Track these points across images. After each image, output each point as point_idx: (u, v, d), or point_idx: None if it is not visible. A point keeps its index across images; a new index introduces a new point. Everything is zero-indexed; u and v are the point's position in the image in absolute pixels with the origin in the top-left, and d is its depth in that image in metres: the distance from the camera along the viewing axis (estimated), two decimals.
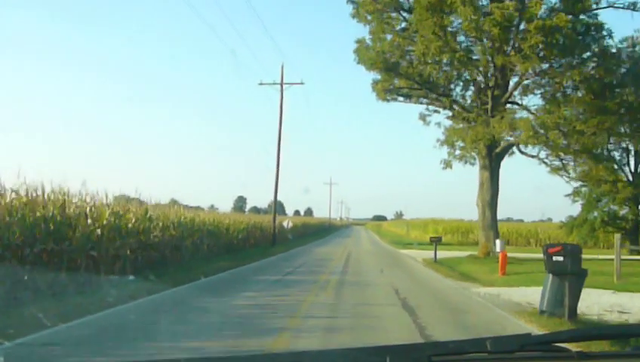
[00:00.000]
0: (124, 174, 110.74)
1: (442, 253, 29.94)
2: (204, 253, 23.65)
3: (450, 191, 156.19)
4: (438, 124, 29.51)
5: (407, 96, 30.10)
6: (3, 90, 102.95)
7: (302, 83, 36.94)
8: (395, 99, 30.67)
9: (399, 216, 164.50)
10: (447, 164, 26.65)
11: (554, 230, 53.43)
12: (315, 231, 70.47)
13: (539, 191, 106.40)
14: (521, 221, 79.67)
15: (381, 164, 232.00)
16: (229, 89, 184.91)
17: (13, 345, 6.17)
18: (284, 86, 36.21)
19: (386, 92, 28.56)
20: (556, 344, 1.94)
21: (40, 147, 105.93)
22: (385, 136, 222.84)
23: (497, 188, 27.77)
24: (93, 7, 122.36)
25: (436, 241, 25.47)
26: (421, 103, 30.60)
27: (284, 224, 42.07)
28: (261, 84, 36.67)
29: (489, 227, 27.56)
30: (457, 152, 27.50)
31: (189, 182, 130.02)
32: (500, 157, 27.64)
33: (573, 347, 1.96)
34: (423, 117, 30.81)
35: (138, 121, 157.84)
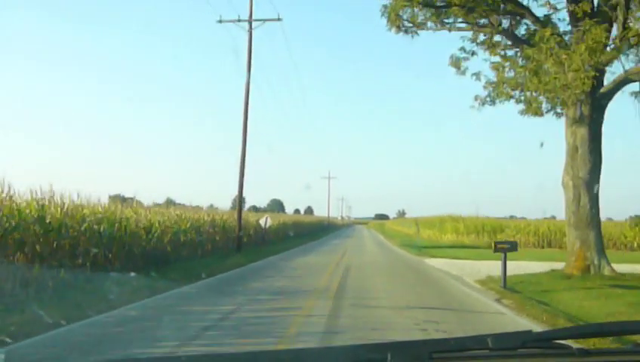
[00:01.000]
0: (125, 175, 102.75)
1: (488, 265, 18.32)
2: (73, 278, 11.93)
3: (452, 189, 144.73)
4: (477, 74, 17.88)
5: (438, 12, 18.14)
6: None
7: (279, 19, 25.10)
8: (422, 26, 18.72)
9: (401, 214, 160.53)
10: (532, 108, 14.78)
11: (609, 228, 41.21)
12: (311, 231, 58.69)
13: (539, 189, 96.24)
14: (524, 219, 68.29)
15: (382, 163, 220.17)
16: (228, 88, 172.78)
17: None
18: (254, 25, 24.49)
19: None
20: (557, 341, 1.88)
21: (38, 147, 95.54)
22: (385, 134, 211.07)
23: (600, 157, 15.80)
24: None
25: (506, 250, 13.34)
26: (460, 30, 18.74)
27: (262, 222, 30.21)
28: (221, 21, 24.86)
29: (587, 223, 15.56)
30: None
31: (191, 183, 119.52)
32: (605, 102, 15.65)
33: (574, 344, 1.87)
34: (456, 61, 18.97)
35: (137, 120, 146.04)
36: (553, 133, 31.48)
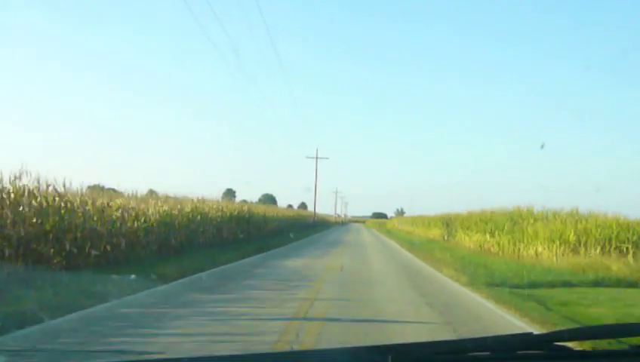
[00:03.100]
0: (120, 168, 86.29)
1: None
2: None
3: (456, 187, 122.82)
4: None
5: None
6: None
7: None
8: None
9: (400, 213, 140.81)
10: None
11: None
12: (282, 231, 35.00)
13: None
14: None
15: (380, 160, 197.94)
16: (224, 87, 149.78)
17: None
18: None
19: None
20: (557, 343, 1.80)
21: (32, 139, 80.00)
22: (383, 131, 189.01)
23: None
24: None
25: None
26: None
27: None
28: None
29: None
30: None
31: (189, 177, 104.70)
32: None
33: (574, 346, 1.80)
34: None
35: (135, 115, 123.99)
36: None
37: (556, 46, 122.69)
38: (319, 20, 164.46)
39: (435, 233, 42.75)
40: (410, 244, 29.51)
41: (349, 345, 2.10)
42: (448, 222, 38.14)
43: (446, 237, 38.12)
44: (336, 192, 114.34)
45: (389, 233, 54.40)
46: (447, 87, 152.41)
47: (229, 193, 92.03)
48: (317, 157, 58.46)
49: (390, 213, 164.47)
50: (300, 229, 46.55)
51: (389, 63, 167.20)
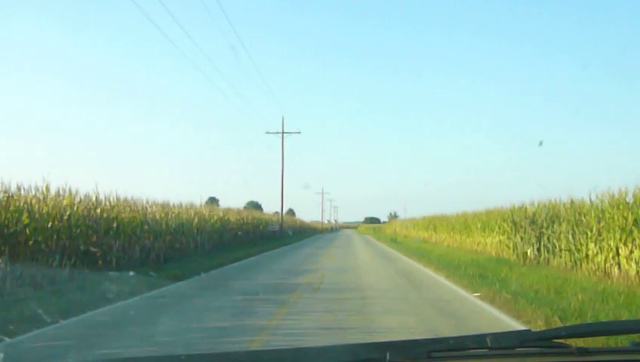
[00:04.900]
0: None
1: None
2: None
3: (450, 190, 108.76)
4: None
5: None
6: None
7: None
8: None
9: (393, 217, 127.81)
10: None
11: None
12: (197, 252, 16.12)
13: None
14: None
15: (370, 165, 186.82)
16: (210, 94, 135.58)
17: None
18: None
19: None
20: (556, 340, 1.75)
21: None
22: (373, 136, 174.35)
23: None
24: None
25: None
26: None
27: None
28: None
29: None
30: None
31: (177, 186, 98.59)
32: None
33: (573, 343, 1.72)
34: None
35: (122, 122, 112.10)
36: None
37: (554, 44, 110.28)
38: (318, 22, 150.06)
39: (491, 243, 22.64)
40: (538, 297, 9.16)
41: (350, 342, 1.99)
42: (533, 222, 18.13)
43: (531, 254, 18.15)
44: (323, 193, 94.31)
45: (397, 243, 34.12)
46: (441, 86, 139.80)
47: (212, 201, 76.67)
48: (283, 132, 38.03)
49: (383, 218, 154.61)
50: (249, 243, 26.56)
51: (382, 65, 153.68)
